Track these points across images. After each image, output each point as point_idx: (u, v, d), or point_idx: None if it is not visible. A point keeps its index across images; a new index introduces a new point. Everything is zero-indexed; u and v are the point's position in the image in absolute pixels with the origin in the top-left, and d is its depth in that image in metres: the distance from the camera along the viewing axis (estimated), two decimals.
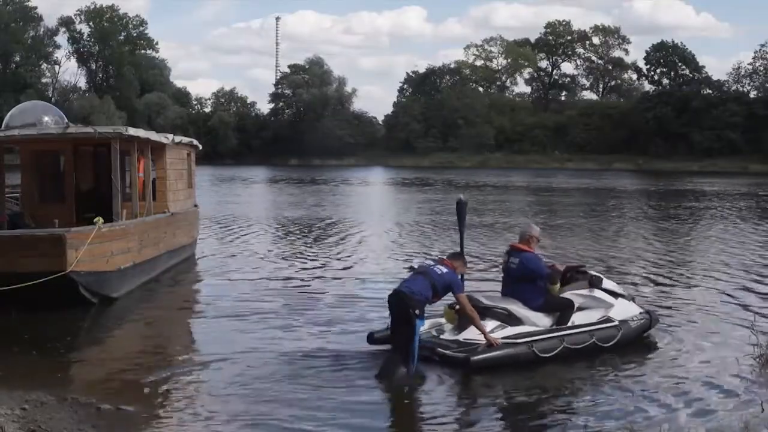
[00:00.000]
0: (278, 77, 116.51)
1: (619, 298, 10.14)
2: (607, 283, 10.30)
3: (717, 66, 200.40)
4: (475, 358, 8.63)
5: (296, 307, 12.31)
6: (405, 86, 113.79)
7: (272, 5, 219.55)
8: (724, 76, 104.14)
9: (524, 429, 7.58)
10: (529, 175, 71.78)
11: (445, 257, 9.42)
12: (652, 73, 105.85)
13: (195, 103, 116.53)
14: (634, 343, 9.82)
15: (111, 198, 13.35)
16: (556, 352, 9.06)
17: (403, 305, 8.56)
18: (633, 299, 10.65)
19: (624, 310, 9.96)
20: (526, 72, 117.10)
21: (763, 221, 28.26)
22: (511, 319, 9.27)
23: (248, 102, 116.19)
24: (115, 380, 8.55)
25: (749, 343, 9.33)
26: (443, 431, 7.40)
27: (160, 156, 15.69)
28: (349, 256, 18.54)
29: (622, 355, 9.46)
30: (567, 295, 9.82)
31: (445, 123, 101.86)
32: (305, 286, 14.50)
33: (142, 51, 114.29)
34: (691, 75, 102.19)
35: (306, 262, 17.37)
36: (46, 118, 14.61)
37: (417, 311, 8.49)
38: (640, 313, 10.15)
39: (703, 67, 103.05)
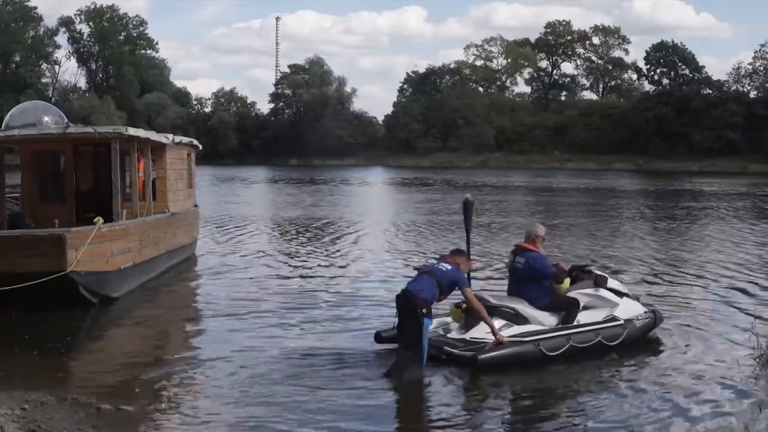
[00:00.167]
0: (278, 77, 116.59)
1: (624, 298, 10.20)
2: (612, 283, 10.38)
3: (717, 66, 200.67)
4: (483, 356, 8.68)
5: (296, 307, 12.31)
6: (405, 86, 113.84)
7: (272, 5, 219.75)
8: (724, 76, 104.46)
9: (526, 428, 7.57)
10: (529, 175, 71.80)
11: (447, 255, 9.45)
12: (652, 73, 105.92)
13: (195, 103, 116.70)
14: (635, 343, 9.83)
15: (111, 198, 13.35)
16: (562, 350, 9.13)
17: (411, 305, 8.60)
18: (638, 298, 10.71)
19: (629, 309, 10.03)
20: (526, 72, 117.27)
21: (762, 221, 28.26)
22: (517, 318, 9.32)
23: (248, 102, 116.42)
24: (115, 380, 8.55)
25: (749, 343, 9.34)
26: (446, 430, 7.41)
27: (160, 156, 15.69)
28: (347, 256, 18.56)
29: (622, 355, 9.47)
30: (572, 294, 9.88)
31: (445, 123, 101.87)
32: (305, 285, 14.51)
33: (142, 51, 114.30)
34: (691, 75, 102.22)
35: (305, 262, 17.38)
36: (46, 118, 14.61)
37: (425, 310, 8.53)
38: (645, 312, 10.21)
39: (703, 67, 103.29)
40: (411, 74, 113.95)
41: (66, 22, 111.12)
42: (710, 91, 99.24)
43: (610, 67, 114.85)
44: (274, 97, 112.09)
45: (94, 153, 15.57)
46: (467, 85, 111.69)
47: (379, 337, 9.53)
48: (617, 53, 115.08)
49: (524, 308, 9.41)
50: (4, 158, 15.47)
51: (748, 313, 11.63)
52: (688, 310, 12.18)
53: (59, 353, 9.69)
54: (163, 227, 15.16)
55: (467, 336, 9.13)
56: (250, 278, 15.13)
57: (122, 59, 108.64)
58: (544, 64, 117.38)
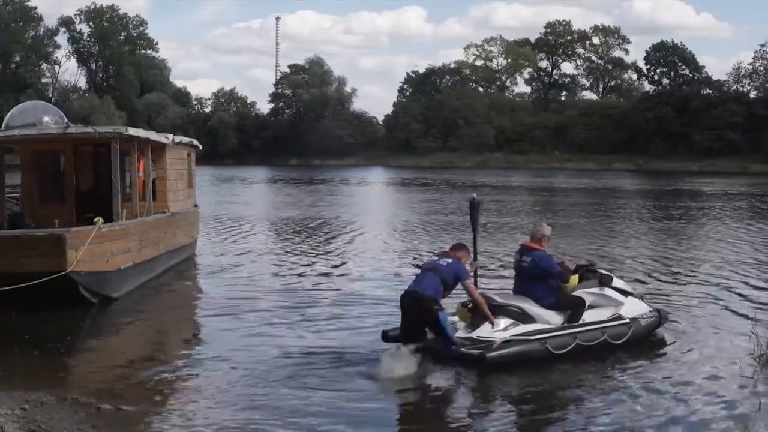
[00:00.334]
0: (278, 77, 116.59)
1: (629, 297, 10.27)
2: (617, 282, 10.46)
3: (717, 66, 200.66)
4: (491, 355, 8.73)
5: (296, 306, 12.32)
6: (405, 86, 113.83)
7: (272, 5, 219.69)
8: (724, 76, 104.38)
9: (527, 428, 7.57)
10: (529, 175, 71.80)
11: (448, 250, 9.51)
12: (652, 73, 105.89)
13: (195, 103, 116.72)
14: (640, 342, 9.86)
15: (111, 198, 13.35)
16: (569, 348, 9.19)
17: (420, 305, 8.73)
18: (642, 298, 10.77)
19: (634, 309, 10.10)
20: (526, 72, 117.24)
21: (762, 221, 28.26)
22: (524, 317, 9.38)
23: (248, 102, 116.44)
24: (115, 380, 8.54)
25: (749, 343, 9.34)
26: (448, 429, 7.42)
27: (160, 156, 15.69)
28: (347, 255, 18.58)
29: (622, 355, 9.48)
30: (578, 293, 9.93)
31: (445, 123, 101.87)
32: (304, 285, 14.51)
33: (142, 51, 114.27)
34: (691, 75, 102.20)
35: (304, 262, 17.38)
36: (46, 118, 14.61)
37: (436, 306, 8.68)
38: (650, 311, 10.29)
39: (703, 67, 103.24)
40: (411, 74, 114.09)
41: (66, 22, 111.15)
42: (710, 91, 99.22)
43: (610, 67, 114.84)
44: (274, 97, 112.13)
45: (94, 153, 15.57)
46: (467, 85, 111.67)
47: (386, 337, 9.58)
48: (617, 53, 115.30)
49: (530, 307, 9.47)
50: (4, 158, 15.47)
51: (748, 313, 11.61)
52: (687, 310, 12.17)
53: (59, 353, 9.69)
54: (163, 227, 15.16)
55: (474, 335, 9.17)
56: (250, 278, 15.13)
57: (122, 59, 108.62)
58: (544, 64, 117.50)
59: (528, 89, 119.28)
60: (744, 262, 17.59)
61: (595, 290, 10.10)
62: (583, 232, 23.94)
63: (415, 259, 17.60)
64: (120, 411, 7.36)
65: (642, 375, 8.90)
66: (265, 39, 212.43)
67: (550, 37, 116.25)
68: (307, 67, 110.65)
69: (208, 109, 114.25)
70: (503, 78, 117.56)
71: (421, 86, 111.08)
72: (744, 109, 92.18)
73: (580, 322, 9.60)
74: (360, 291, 13.84)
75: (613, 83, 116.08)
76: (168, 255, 15.39)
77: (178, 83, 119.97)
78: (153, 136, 15.10)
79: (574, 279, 9.97)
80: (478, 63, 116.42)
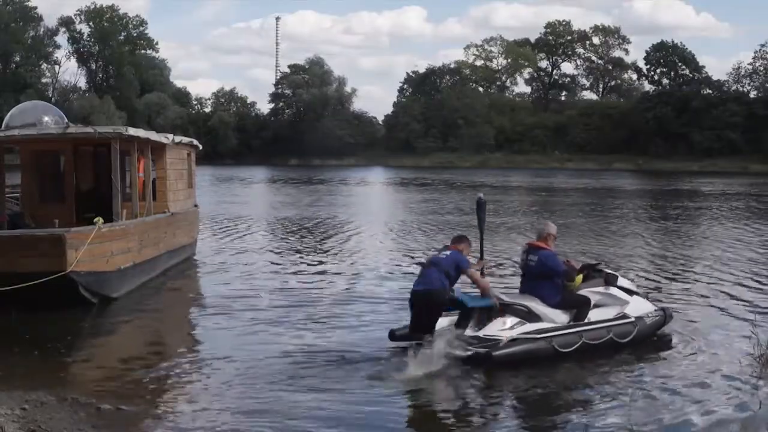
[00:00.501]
0: (278, 77, 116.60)
1: (634, 296, 10.34)
2: (623, 281, 10.53)
3: (717, 66, 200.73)
4: (497, 353, 8.79)
5: (296, 306, 12.32)
6: (405, 86, 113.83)
7: (272, 5, 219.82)
8: (724, 76, 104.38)
9: (528, 426, 7.57)
10: (529, 175, 71.79)
11: (449, 243, 9.60)
12: (652, 73, 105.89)
13: (195, 103, 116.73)
14: (641, 342, 9.88)
15: (111, 198, 13.35)
16: (575, 347, 9.25)
17: (429, 302, 8.95)
18: (647, 297, 10.83)
19: (639, 307, 10.16)
20: (526, 72, 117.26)
21: (762, 221, 28.26)
22: (530, 316, 9.43)
23: (248, 102, 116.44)
24: (115, 380, 8.54)
25: (749, 343, 9.34)
26: (450, 427, 7.42)
27: (160, 156, 15.69)
28: (345, 255, 18.60)
29: (623, 355, 9.50)
30: (583, 292, 9.99)
31: (445, 123, 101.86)
32: (304, 284, 14.52)
33: (142, 51, 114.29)
34: (691, 75, 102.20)
35: (303, 261, 17.40)
36: (46, 118, 14.61)
37: (447, 297, 8.95)
38: (655, 310, 10.36)
39: (703, 67, 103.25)
40: (411, 74, 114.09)
41: (66, 22, 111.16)
42: (710, 91, 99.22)
43: (610, 67, 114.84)
44: (274, 97, 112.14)
45: (94, 153, 15.57)
46: (467, 85, 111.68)
47: (393, 336, 9.64)
48: (617, 53, 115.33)
49: (537, 306, 9.53)
50: (4, 158, 15.47)
51: (748, 313, 11.62)
52: (687, 309, 12.16)
53: (59, 353, 9.69)
54: (163, 227, 15.16)
55: (481, 333, 9.22)
56: (250, 278, 15.14)
57: (122, 59, 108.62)
58: (544, 64, 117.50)
59: (528, 89, 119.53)
60: (744, 261, 17.59)
61: (601, 289, 10.17)
62: (583, 232, 23.93)
63: (413, 258, 17.59)
64: (120, 411, 7.36)
65: (642, 375, 8.91)
66: (265, 39, 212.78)
67: (550, 37, 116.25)
68: (307, 67, 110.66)
69: (208, 109, 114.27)
70: (503, 78, 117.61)
71: (421, 86, 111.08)
72: (744, 109, 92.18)
73: (586, 321, 9.66)
74: (359, 290, 13.85)
75: (613, 83, 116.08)
76: (168, 255, 15.39)
77: (178, 83, 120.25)
78: (153, 136, 15.10)
79: (578, 278, 10.04)
80: (478, 63, 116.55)
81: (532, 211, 32.85)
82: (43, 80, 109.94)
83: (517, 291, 10.06)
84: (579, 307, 9.73)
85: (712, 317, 11.71)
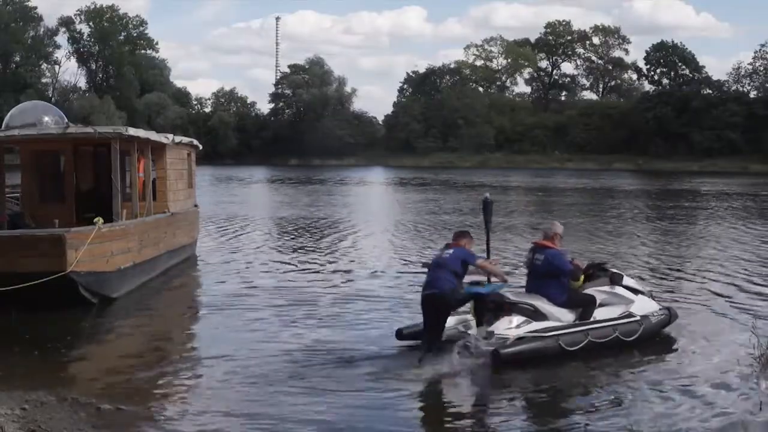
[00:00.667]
0: (278, 77, 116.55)
1: (639, 295, 10.40)
2: (628, 280, 10.60)
3: (717, 66, 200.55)
4: (505, 351, 8.83)
5: (296, 306, 12.33)
6: (405, 86, 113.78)
7: (272, 5, 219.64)
8: (724, 76, 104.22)
9: (529, 426, 7.57)
10: (528, 175, 71.77)
11: (451, 241, 9.61)
12: (652, 73, 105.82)
13: (195, 103, 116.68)
14: (646, 340, 9.89)
15: (111, 198, 13.36)
16: (581, 345, 9.31)
17: (442, 305, 9.00)
18: (652, 296, 10.87)
19: (644, 306, 10.23)
20: (526, 72, 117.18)
21: (762, 221, 28.26)
22: (536, 315, 9.49)
23: (248, 102, 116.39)
24: (115, 380, 8.54)
25: (749, 343, 9.34)
26: (448, 426, 7.43)
27: (160, 156, 15.69)
28: (344, 254, 18.63)
29: (622, 355, 9.51)
30: (589, 291, 10.04)
31: (445, 123, 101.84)
32: (303, 284, 14.52)
33: (142, 51, 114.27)
34: (691, 75, 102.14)
35: (303, 261, 17.41)
36: (46, 118, 14.61)
37: (458, 297, 9.03)
38: (660, 309, 10.43)
39: (703, 67, 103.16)
40: (411, 74, 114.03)
41: (66, 22, 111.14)
42: (710, 91, 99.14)
43: (610, 67, 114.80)
44: (274, 97, 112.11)
45: (94, 153, 15.57)
46: (467, 85, 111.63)
47: (400, 335, 9.68)
48: (617, 53, 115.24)
49: (543, 305, 9.59)
50: (4, 158, 15.47)
51: (748, 313, 11.63)
52: (687, 309, 12.16)
53: (59, 353, 9.69)
54: (163, 227, 15.16)
55: (488, 331, 9.25)
56: (250, 278, 15.14)
57: (122, 59, 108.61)
58: (544, 64, 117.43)
59: (528, 89, 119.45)
60: (744, 261, 17.59)
61: (606, 288, 10.24)
62: (582, 232, 23.92)
63: (412, 257, 17.60)
64: (120, 411, 7.35)
65: (642, 375, 8.92)
66: (265, 39, 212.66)
67: (550, 37, 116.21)
68: (307, 67, 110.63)
69: (208, 109, 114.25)
70: (503, 78, 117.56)
71: (421, 86, 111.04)
72: (744, 109, 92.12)
73: (592, 319, 9.72)
74: (358, 289, 13.88)
75: (613, 83, 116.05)
76: (168, 255, 15.39)
77: (178, 83, 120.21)
78: (153, 136, 15.11)
79: (579, 281, 10.04)
80: (478, 63, 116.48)
81: (532, 211, 32.86)
82: (43, 80, 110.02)
83: (523, 290, 10.12)
84: (585, 306, 9.80)
85: (712, 317, 11.71)
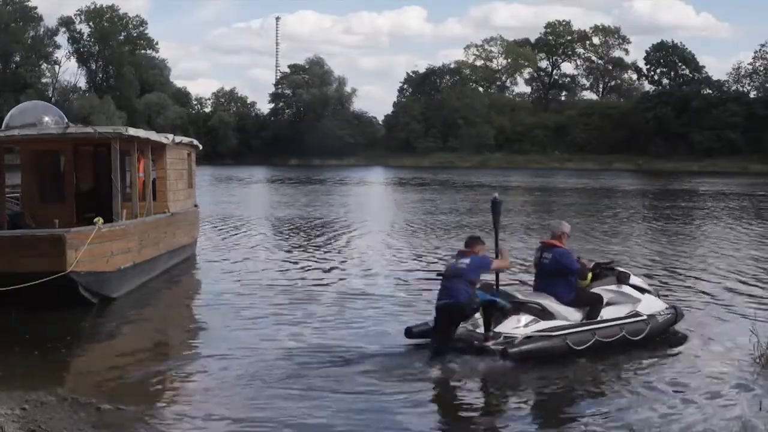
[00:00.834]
0: (278, 77, 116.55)
1: (646, 294, 10.47)
2: (635, 279, 10.68)
3: (717, 66, 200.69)
4: (512, 350, 8.88)
5: (295, 306, 12.34)
6: (405, 86, 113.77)
7: (272, 5, 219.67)
8: (724, 76, 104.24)
9: (528, 425, 7.57)
10: (528, 175, 71.77)
11: (463, 248, 9.59)
12: (652, 73, 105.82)
13: (195, 103, 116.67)
14: (646, 341, 9.91)
15: (111, 198, 13.35)
16: (588, 345, 9.36)
17: (459, 315, 9.06)
18: (658, 295, 10.94)
19: (651, 305, 10.29)
20: (526, 72, 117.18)
21: (762, 221, 28.25)
22: (544, 314, 9.55)
23: (248, 102, 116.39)
24: (115, 380, 8.55)
25: (749, 343, 9.34)
26: (449, 426, 7.43)
27: (160, 156, 15.69)
28: (343, 254, 18.65)
29: (622, 355, 9.51)
30: (596, 290, 10.10)
31: (445, 123, 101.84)
32: (303, 284, 14.53)
33: (142, 51, 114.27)
34: (691, 75, 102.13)
35: (302, 261, 17.41)
36: (46, 118, 14.61)
37: (474, 306, 9.06)
38: (666, 308, 10.48)
39: (703, 67, 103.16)
40: (411, 74, 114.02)
41: (66, 22, 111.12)
42: (710, 91, 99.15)
43: (610, 67, 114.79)
44: (274, 97, 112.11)
45: (94, 153, 15.57)
46: (467, 85, 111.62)
47: (409, 333, 9.72)
48: (617, 53, 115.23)
49: (550, 304, 9.66)
50: (4, 158, 15.47)
51: (748, 313, 11.61)
52: (687, 309, 12.08)
53: (59, 353, 9.70)
54: (163, 227, 15.16)
55: (496, 330, 9.30)
56: (250, 278, 15.14)
57: (122, 59, 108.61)
58: (544, 64, 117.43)
59: (528, 89, 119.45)
60: (743, 261, 17.60)
61: (613, 287, 10.30)
62: (581, 231, 23.91)
63: (410, 257, 17.64)
64: (120, 411, 7.35)
65: (642, 375, 8.93)
66: (265, 39, 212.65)
67: (550, 37, 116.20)
68: (307, 67, 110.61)
69: (208, 109, 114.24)
70: (503, 78, 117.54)
71: (421, 86, 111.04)
72: (744, 109, 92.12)
73: (599, 318, 9.77)
74: (357, 289, 13.90)
75: (613, 83, 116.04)
76: (168, 255, 15.39)
77: (178, 83, 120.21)
78: (153, 136, 15.11)
79: (588, 276, 10.14)
80: (478, 63, 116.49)
81: (530, 211, 32.85)
82: (43, 80, 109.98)
83: (531, 289, 10.21)
84: (592, 305, 9.87)
85: (712, 317, 11.71)
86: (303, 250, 19.37)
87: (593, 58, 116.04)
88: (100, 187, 15.29)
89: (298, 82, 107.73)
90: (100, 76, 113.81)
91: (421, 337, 9.57)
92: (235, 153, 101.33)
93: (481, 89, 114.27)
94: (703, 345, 10.13)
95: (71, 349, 10.04)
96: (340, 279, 15.12)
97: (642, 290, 10.49)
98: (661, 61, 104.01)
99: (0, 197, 15.12)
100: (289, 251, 19.27)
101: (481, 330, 9.36)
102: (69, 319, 11.29)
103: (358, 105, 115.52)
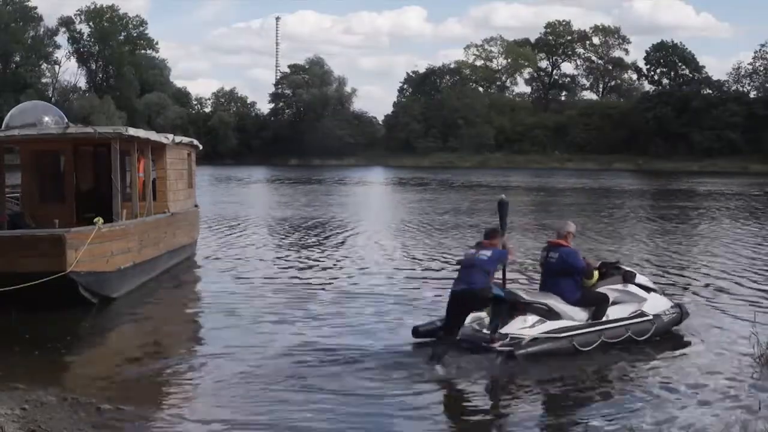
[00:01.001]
0: (278, 77, 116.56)
1: (652, 293, 10.52)
2: (640, 278, 10.74)
3: (717, 66, 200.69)
4: (520, 352, 8.93)
5: (295, 305, 12.34)
6: (405, 86, 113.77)
7: (272, 5, 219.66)
8: (724, 76, 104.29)
9: (527, 425, 7.57)
10: (528, 175, 71.76)
11: (483, 239, 9.63)
12: (652, 73, 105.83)
13: (195, 103, 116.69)
14: (639, 343, 9.90)
15: (111, 198, 13.35)
16: (594, 345, 9.43)
17: (474, 301, 9.13)
18: (664, 293, 10.99)
19: (656, 304, 10.35)
20: (526, 72, 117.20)
21: (761, 221, 28.25)
22: (550, 314, 9.59)
23: (248, 102, 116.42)
24: (115, 380, 8.55)
25: (749, 343, 9.34)
26: (449, 425, 7.43)
27: (160, 156, 15.69)
28: (344, 254, 18.65)
29: (622, 355, 9.51)
30: (602, 289, 10.15)
31: (445, 123, 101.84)
32: (303, 283, 14.54)
33: (142, 51, 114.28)
34: (691, 75, 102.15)
35: (302, 261, 17.41)
36: (46, 118, 14.61)
37: (489, 295, 9.11)
38: (672, 306, 10.54)
39: (703, 67, 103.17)
40: (411, 74, 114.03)
41: (66, 22, 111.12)
42: (710, 91, 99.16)
43: (610, 67, 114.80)
44: (274, 97, 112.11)
45: (94, 153, 15.57)
46: (467, 85, 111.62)
47: (416, 332, 9.76)
48: (617, 53, 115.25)
49: (556, 304, 9.69)
50: (4, 158, 15.47)
51: (748, 313, 11.61)
52: (688, 309, 12.16)
53: (59, 353, 9.70)
54: (163, 227, 15.16)
55: (503, 331, 9.32)
56: (249, 277, 15.15)
57: (122, 59, 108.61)
58: (544, 64, 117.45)
59: (528, 89, 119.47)
60: (743, 261, 17.59)
61: (619, 286, 10.34)
62: (581, 232, 23.90)
63: (407, 260, 17.63)
64: (120, 411, 7.35)
65: (642, 375, 8.93)
66: (265, 39, 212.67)
67: (550, 37, 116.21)
68: (307, 67, 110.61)
69: (208, 109, 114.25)
70: (503, 78, 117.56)
71: (421, 86, 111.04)
72: (744, 109, 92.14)
73: (605, 318, 9.82)
74: (357, 288, 13.91)
75: (613, 83, 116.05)
76: (168, 255, 15.39)
77: (178, 83, 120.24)
78: (153, 136, 15.10)
79: (595, 275, 10.19)
80: (478, 63, 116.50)
81: (534, 210, 32.85)
82: (43, 80, 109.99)
83: (537, 288, 10.23)
84: (598, 305, 9.91)
85: (712, 317, 11.70)
86: (303, 250, 19.36)
87: (593, 58, 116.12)
88: (100, 187, 15.29)
89: (298, 82, 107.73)
90: (100, 76, 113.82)
91: (428, 336, 9.58)
92: (235, 153, 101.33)
93: (481, 89, 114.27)
94: (702, 345, 10.12)
95: (71, 349, 10.04)
96: (340, 278, 15.13)
97: (648, 289, 10.54)
98: (661, 61, 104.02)
99: (0, 197, 15.12)
100: (289, 251, 19.27)
101: (487, 330, 9.37)
102: (69, 319, 11.29)
103: (358, 105, 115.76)
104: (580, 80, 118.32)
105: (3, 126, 14.55)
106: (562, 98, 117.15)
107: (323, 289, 13.96)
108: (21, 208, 15.60)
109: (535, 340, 9.15)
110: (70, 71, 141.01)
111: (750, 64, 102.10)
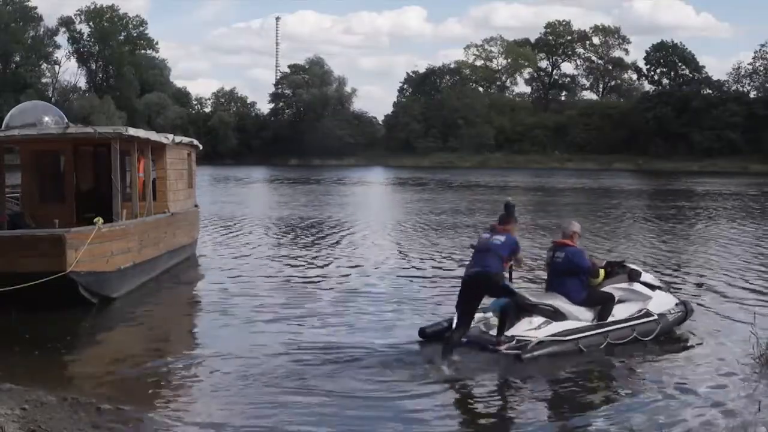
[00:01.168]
0: (278, 77, 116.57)
1: (657, 291, 10.56)
2: (646, 276, 10.77)
3: (717, 66, 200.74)
4: (526, 356, 8.95)
5: (296, 305, 12.35)
6: (405, 86, 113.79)
7: (272, 5, 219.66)
8: (724, 76, 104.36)
9: (526, 425, 7.57)
10: (528, 175, 71.78)
11: (496, 224, 9.60)
12: (652, 73, 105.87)
13: (195, 103, 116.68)
14: (633, 343, 9.90)
15: (111, 198, 13.35)
16: (600, 347, 9.49)
17: (488, 284, 9.14)
18: (669, 290, 11.05)
19: (662, 303, 10.39)
20: (526, 72, 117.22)
21: (761, 220, 28.25)
22: (556, 315, 9.62)
23: (248, 102, 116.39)
24: (115, 380, 8.55)
25: (749, 343, 9.34)
26: (449, 425, 7.44)
27: (161, 156, 15.69)
28: (344, 254, 18.64)
29: (623, 355, 9.51)
30: (608, 288, 10.19)
31: (445, 123, 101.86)
32: (303, 283, 14.55)
33: (142, 51, 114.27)
34: (691, 75, 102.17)
35: (302, 260, 17.41)
36: (46, 118, 14.61)
37: (500, 282, 9.20)
38: (677, 304, 10.59)
39: (703, 67, 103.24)
40: (411, 74, 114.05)
41: (66, 22, 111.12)
42: (710, 91, 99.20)
43: (610, 67, 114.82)
44: (274, 97, 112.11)
45: (94, 153, 15.57)
46: (467, 85, 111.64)
47: (423, 333, 9.79)
48: (617, 53, 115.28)
49: (562, 304, 9.73)
50: (4, 158, 15.47)
51: (747, 313, 11.60)
52: None
53: (59, 353, 9.70)
54: (163, 227, 15.16)
55: (509, 333, 9.34)
56: (250, 277, 15.14)
57: (122, 59, 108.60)
58: (544, 64, 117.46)
59: (528, 89, 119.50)
60: (743, 261, 17.60)
61: (624, 285, 10.38)
62: (581, 231, 23.90)
63: (407, 259, 17.63)
64: (120, 411, 7.35)
65: (642, 375, 8.93)
66: (265, 39, 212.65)
67: (550, 37, 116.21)
68: (307, 67, 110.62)
69: (208, 109, 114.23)
70: (503, 78, 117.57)
71: (421, 86, 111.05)
72: (744, 109, 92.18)
73: (610, 317, 9.86)
74: (357, 288, 13.91)
75: (613, 83, 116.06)
76: (168, 255, 15.39)
77: (178, 83, 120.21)
78: (153, 136, 15.10)
79: (601, 274, 10.23)
80: (478, 63, 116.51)
81: (533, 210, 32.85)
82: (43, 80, 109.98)
83: (543, 288, 10.29)
84: (604, 304, 9.95)
85: (712, 317, 11.70)
86: (303, 250, 19.36)
87: (593, 58, 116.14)
88: (100, 187, 15.29)
89: (298, 82, 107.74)
90: (100, 76, 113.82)
91: (435, 337, 9.59)
92: (235, 153, 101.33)
93: (481, 89, 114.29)
94: (702, 345, 10.13)
95: (71, 349, 10.04)
96: (340, 278, 15.12)
97: (653, 287, 10.58)
98: (661, 61, 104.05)
99: (0, 197, 15.12)
100: (288, 251, 19.27)
101: (493, 332, 9.37)
102: (69, 319, 11.28)
103: (358, 105, 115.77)
104: (580, 80, 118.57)
105: (3, 126, 14.54)
106: (562, 98, 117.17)
107: (323, 288, 13.97)
108: (21, 208, 15.60)
109: (541, 344, 9.17)
110: (70, 71, 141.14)
111: (750, 64, 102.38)
